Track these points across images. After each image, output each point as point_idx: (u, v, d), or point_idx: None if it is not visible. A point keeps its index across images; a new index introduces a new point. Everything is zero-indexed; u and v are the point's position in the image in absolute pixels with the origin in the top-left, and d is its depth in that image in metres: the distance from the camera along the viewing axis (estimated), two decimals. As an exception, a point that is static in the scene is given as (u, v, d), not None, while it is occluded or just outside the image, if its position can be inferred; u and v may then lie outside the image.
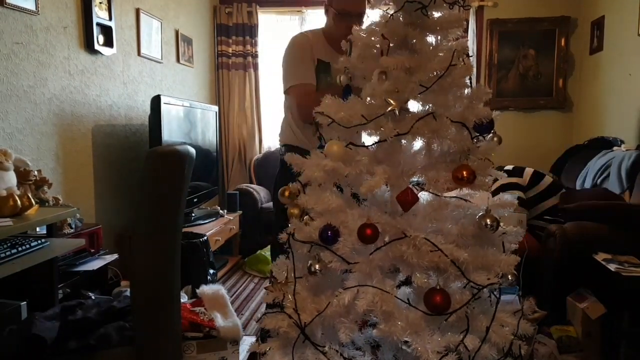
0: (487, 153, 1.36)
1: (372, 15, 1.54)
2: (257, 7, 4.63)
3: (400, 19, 1.43)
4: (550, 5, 4.37)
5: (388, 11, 1.45)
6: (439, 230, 1.35)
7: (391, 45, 1.39)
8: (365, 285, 1.27)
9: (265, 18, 4.78)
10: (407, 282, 1.39)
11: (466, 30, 4.41)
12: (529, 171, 3.01)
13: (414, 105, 1.41)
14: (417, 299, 1.29)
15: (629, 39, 3.39)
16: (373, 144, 1.39)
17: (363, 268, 1.29)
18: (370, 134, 1.42)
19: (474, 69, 4.46)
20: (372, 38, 1.45)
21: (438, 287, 1.22)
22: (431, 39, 1.44)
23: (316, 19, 4.73)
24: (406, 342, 1.24)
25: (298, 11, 4.73)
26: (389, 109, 1.32)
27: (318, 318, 1.31)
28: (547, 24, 4.40)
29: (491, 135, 1.39)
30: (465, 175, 1.27)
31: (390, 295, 1.25)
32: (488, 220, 1.29)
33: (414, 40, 1.43)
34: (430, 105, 1.38)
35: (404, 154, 1.46)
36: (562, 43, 4.38)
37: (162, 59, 3.66)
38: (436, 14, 1.43)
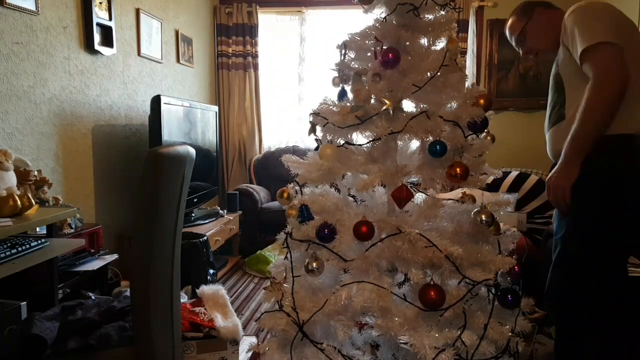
0: (481, 151, 1.38)
1: (366, 19, 1.55)
2: (257, 7, 4.64)
3: (393, 21, 1.46)
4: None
5: (381, 15, 1.47)
6: (435, 228, 1.36)
7: (384, 47, 1.41)
8: (362, 281, 1.28)
9: (265, 18, 4.78)
10: (405, 282, 1.40)
11: (466, 31, 4.41)
12: (511, 177, 2.97)
13: (408, 105, 1.43)
14: (414, 296, 1.30)
15: (628, 39, 3.38)
16: (368, 142, 1.40)
17: (359, 265, 1.31)
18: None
19: (474, 69, 4.47)
20: (366, 41, 1.48)
21: (432, 283, 1.23)
22: (424, 40, 1.46)
23: (316, 19, 4.74)
24: (405, 343, 1.25)
25: (298, 11, 4.73)
26: (384, 107, 1.34)
27: (316, 317, 1.32)
28: (547, 24, 4.39)
29: (485, 134, 1.41)
30: (458, 172, 1.29)
31: (387, 291, 1.26)
32: (483, 216, 1.31)
33: (407, 42, 1.45)
34: (424, 104, 1.40)
35: (399, 152, 1.48)
36: (562, 43, 4.38)
37: (162, 59, 3.66)
38: (428, 16, 1.45)
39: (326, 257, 1.35)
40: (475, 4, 4.43)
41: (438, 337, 1.20)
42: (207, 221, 3.60)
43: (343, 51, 1.54)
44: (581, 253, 1.57)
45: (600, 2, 1.59)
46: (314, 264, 1.33)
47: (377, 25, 1.46)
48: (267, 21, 4.81)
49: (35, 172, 2.08)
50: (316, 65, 4.73)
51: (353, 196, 1.54)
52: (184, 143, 3.12)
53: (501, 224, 1.44)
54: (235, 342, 2.10)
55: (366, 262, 1.31)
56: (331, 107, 1.47)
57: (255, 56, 4.71)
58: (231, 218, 3.87)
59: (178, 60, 3.97)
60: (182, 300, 2.27)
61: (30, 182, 2.03)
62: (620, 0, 3.53)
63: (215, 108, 4.07)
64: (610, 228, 1.53)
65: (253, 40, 4.68)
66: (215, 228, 3.47)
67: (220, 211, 3.87)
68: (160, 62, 3.65)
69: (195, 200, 3.50)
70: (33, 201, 1.84)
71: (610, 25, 1.50)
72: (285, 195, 1.48)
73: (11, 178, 1.84)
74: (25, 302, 1.83)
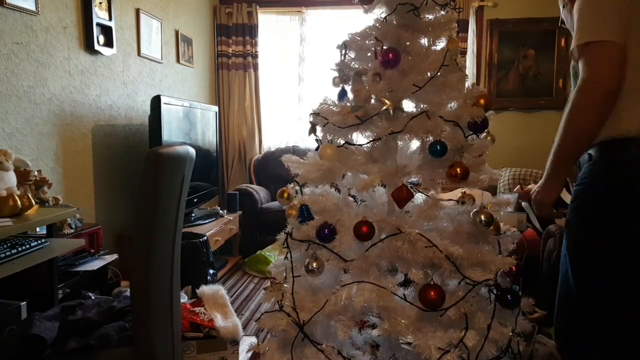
0: (481, 151, 1.38)
1: (366, 19, 1.55)
2: (257, 7, 4.64)
3: (394, 21, 1.46)
4: (550, 5, 4.37)
5: (381, 15, 1.47)
6: (435, 228, 1.36)
7: (384, 47, 1.41)
8: (362, 281, 1.28)
9: (265, 18, 4.78)
10: (405, 283, 1.40)
11: (466, 31, 4.41)
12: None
13: (408, 105, 1.43)
14: (415, 296, 1.30)
15: (628, 39, 3.39)
16: (368, 142, 1.40)
17: (360, 265, 1.31)
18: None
19: (474, 69, 4.47)
20: (367, 41, 1.48)
21: (432, 283, 1.23)
22: (424, 40, 1.46)
23: (316, 19, 4.74)
24: (408, 343, 1.25)
25: (298, 11, 4.73)
26: (384, 107, 1.34)
27: (316, 317, 1.32)
28: (547, 24, 4.40)
29: (485, 134, 1.41)
30: (458, 172, 1.29)
31: (387, 291, 1.25)
32: (482, 217, 1.31)
33: (407, 42, 1.45)
34: (424, 104, 1.40)
35: (399, 152, 1.48)
36: (562, 43, 4.38)
37: (162, 59, 3.66)
38: (428, 16, 1.45)
39: (326, 257, 1.35)
40: (475, 4, 4.43)
41: (442, 338, 1.20)
42: (207, 221, 3.59)
43: (343, 51, 1.54)
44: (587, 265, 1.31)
45: None
46: (314, 264, 1.33)
47: (377, 25, 1.46)
48: (267, 21, 4.81)
49: (35, 172, 2.08)
50: (316, 65, 4.73)
51: (353, 196, 1.54)
52: (184, 143, 3.13)
53: (501, 224, 1.44)
54: (235, 342, 2.10)
55: (366, 262, 1.31)
56: (331, 107, 1.47)
57: (255, 56, 4.71)
58: (231, 218, 3.87)
59: (178, 61, 3.97)
60: (182, 300, 2.27)
61: (30, 182, 2.03)
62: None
63: (215, 108, 4.07)
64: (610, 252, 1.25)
65: (253, 41, 4.68)
66: (215, 228, 3.47)
67: (220, 211, 3.87)
68: (160, 62, 3.65)
69: (195, 200, 3.49)
70: (33, 201, 1.84)
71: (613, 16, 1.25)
72: (285, 195, 1.49)
73: (11, 178, 1.84)
74: (25, 302, 1.83)
